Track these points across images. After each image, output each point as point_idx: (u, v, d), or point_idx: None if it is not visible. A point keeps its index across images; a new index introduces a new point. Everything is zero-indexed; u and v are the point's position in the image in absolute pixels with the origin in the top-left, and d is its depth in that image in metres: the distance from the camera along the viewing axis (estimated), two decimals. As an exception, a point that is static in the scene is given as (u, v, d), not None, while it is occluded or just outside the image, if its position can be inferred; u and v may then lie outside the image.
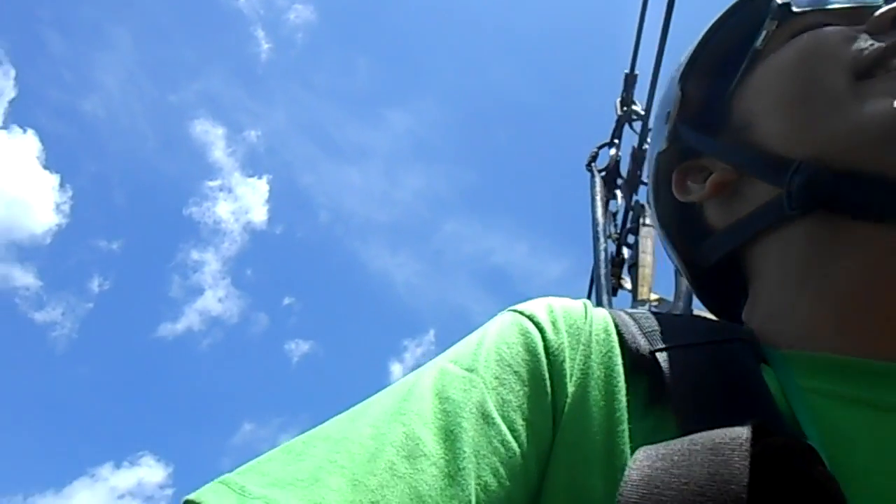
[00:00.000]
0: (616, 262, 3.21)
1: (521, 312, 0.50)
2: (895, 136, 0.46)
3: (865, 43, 0.52)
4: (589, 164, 4.10)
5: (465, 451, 0.40)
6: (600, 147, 4.19)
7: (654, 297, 3.12)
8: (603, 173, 3.95)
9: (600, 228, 3.35)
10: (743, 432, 0.35)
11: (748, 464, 0.33)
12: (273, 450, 0.41)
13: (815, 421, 0.41)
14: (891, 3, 0.53)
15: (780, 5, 0.57)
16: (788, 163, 0.51)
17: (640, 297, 3.09)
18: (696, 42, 0.65)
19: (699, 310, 0.76)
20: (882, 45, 0.51)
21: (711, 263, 0.62)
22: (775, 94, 0.55)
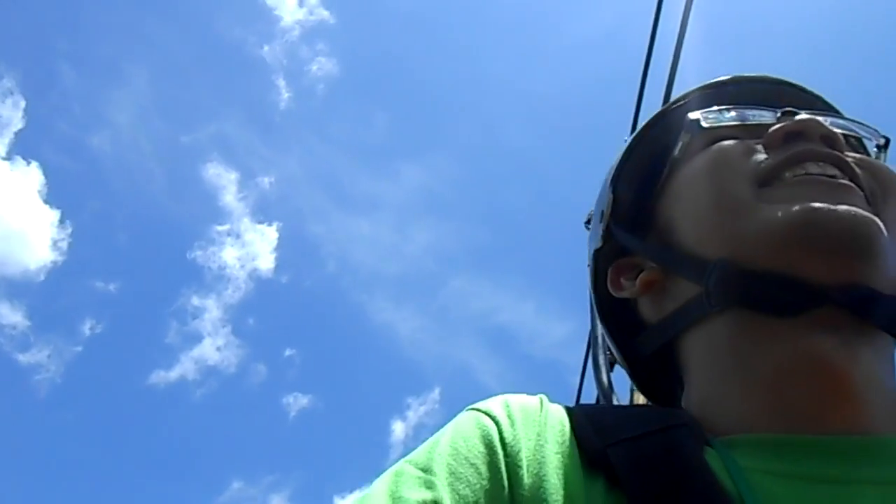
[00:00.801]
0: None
1: (478, 409, 0.52)
2: (790, 239, 0.51)
3: (762, 156, 0.57)
4: (588, 223, 4.15)
5: None
6: (599, 206, 4.23)
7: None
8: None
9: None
10: None
11: None
12: None
13: (760, 498, 0.44)
14: (783, 120, 0.58)
15: (691, 120, 0.63)
16: (705, 263, 0.56)
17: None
18: (624, 147, 0.71)
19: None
20: (775, 159, 0.56)
21: (647, 356, 0.66)
22: (690, 199, 0.60)
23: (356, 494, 0.49)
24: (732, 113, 0.62)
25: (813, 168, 0.54)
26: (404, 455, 0.51)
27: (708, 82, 0.69)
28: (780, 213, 0.52)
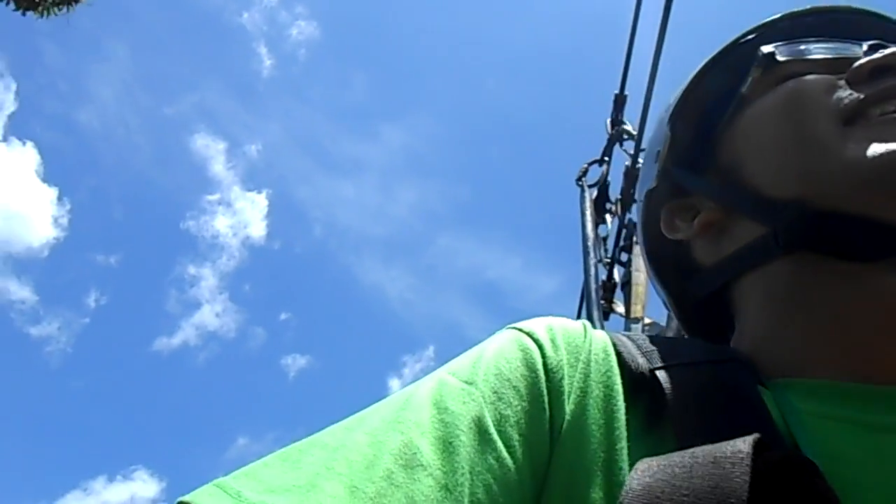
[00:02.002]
0: (607, 287, 3.18)
1: (521, 330, 0.50)
2: (876, 181, 0.48)
3: (845, 93, 0.54)
4: (579, 179, 4.13)
5: (462, 466, 0.40)
6: (590, 164, 4.22)
7: (647, 320, 3.08)
8: (593, 190, 3.98)
9: (590, 243, 3.36)
10: (744, 446, 0.35)
11: (748, 478, 0.33)
12: (268, 456, 0.41)
13: (813, 440, 0.42)
14: (869, 54, 0.55)
15: (765, 54, 0.60)
16: (775, 203, 0.53)
17: (633, 316, 3.07)
18: (685, 84, 0.68)
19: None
20: (861, 95, 0.53)
21: (699, 299, 0.64)
22: (763, 137, 0.57)
23: (398, 394, 0.47)
24: (811, 46, 0.59)
25: None
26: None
27: (780, 14, 0.65)
28: (866, 154, 0.49)
